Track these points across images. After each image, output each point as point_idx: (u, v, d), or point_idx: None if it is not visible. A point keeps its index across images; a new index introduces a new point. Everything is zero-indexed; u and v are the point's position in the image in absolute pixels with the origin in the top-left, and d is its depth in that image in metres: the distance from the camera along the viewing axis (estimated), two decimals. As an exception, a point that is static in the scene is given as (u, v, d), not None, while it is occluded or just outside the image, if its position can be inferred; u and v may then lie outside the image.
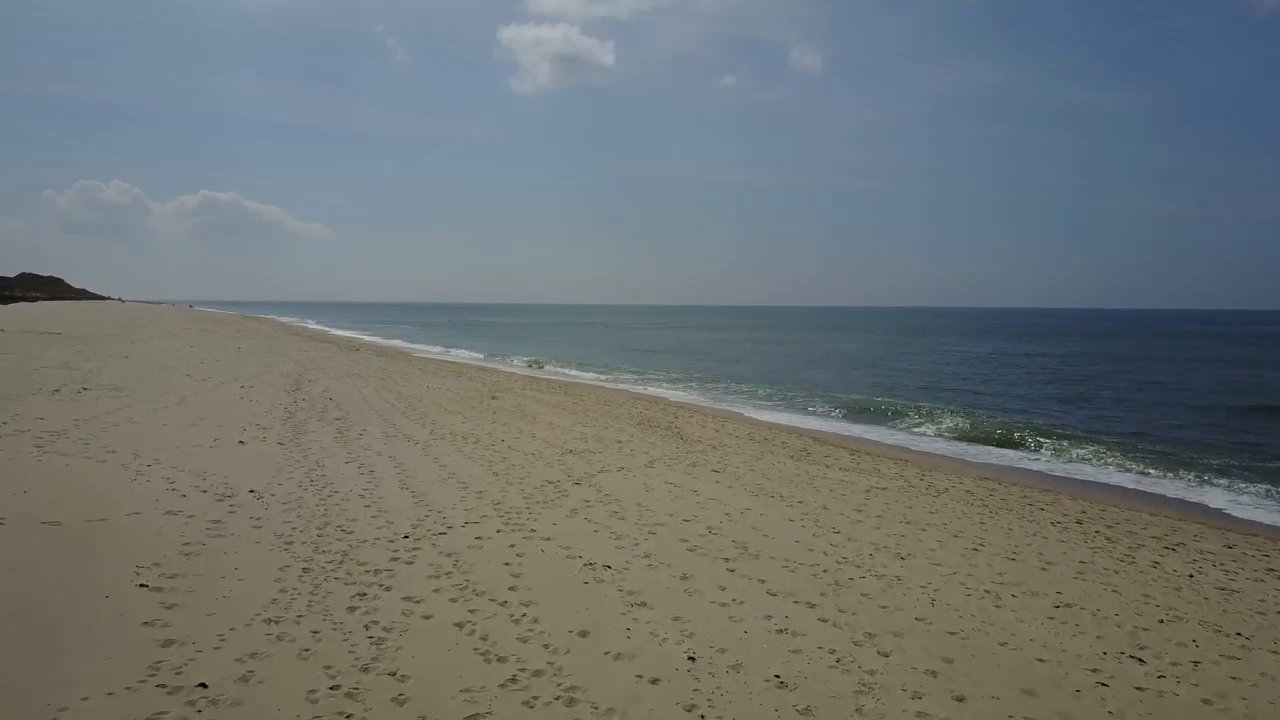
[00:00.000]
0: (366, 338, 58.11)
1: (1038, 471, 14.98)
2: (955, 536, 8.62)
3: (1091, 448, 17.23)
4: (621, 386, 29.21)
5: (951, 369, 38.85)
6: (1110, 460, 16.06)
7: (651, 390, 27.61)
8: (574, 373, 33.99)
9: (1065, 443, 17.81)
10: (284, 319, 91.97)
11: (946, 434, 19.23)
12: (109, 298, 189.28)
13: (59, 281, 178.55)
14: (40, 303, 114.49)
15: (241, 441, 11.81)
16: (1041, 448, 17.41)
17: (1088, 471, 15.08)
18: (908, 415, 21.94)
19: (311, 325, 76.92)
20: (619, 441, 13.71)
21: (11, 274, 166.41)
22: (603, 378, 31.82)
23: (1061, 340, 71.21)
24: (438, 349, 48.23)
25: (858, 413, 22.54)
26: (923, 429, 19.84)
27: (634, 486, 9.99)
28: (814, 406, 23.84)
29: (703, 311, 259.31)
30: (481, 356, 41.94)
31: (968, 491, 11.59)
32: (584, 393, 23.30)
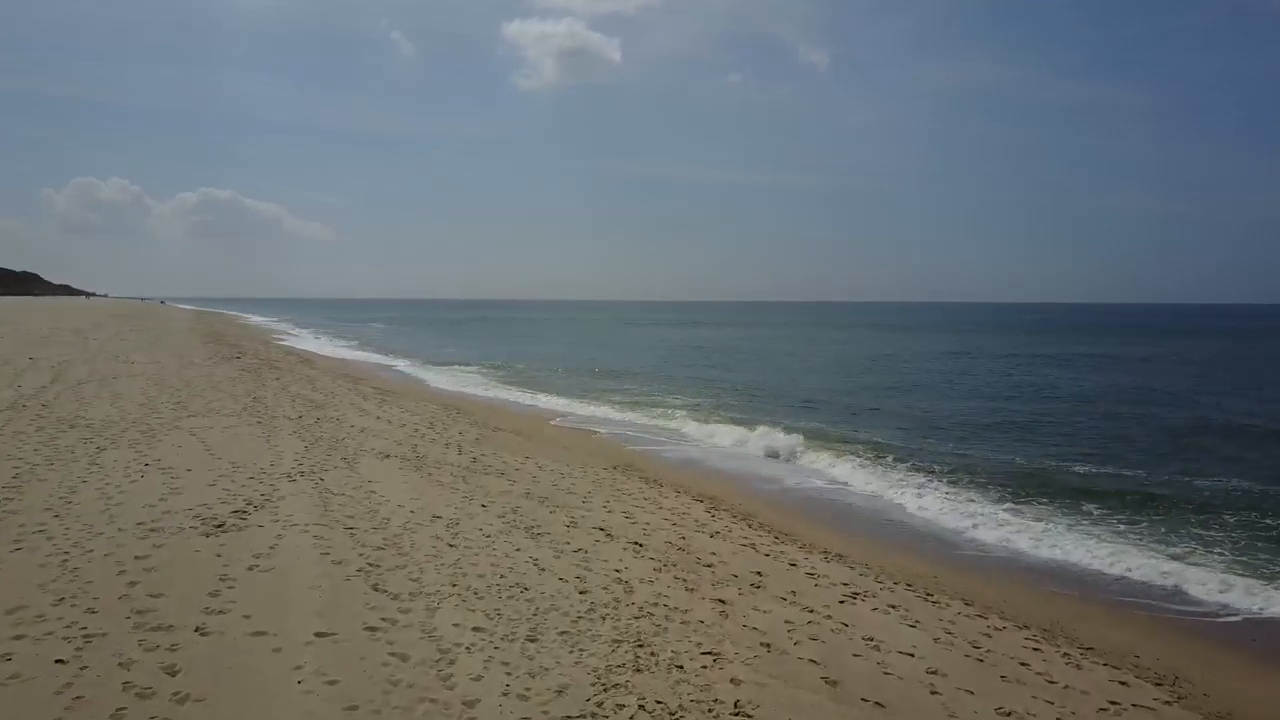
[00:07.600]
0: (314, 338, 46.95)
1: None
2: None
3: None
4: (615, 417, 18.27)
5: (1105, 388, 27.44)
6: None
7: (649, 423, 16.58)
8: (544, 399, 23.07)
9: None
10: (253, 318, 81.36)
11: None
12: (87, 293, 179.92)
13: (34, 278, 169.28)
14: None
15: None
16: None
17: None
18: (1144, 516, 10.77)
19: (255, 320, 66.20)
20: None
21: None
22: (601, 410, 20.92)
23: (1162, 338, 59.98)
24: (397, 360, 37.53)
25: (1027, 492, 11.63)
26: (1208, 565, 8.74)
27: None
28: (964, 478, 12.75)
29: (710, 308, 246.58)
30: (412, 362, 31.03)
31: None
32: (525, 454, 12.19)
